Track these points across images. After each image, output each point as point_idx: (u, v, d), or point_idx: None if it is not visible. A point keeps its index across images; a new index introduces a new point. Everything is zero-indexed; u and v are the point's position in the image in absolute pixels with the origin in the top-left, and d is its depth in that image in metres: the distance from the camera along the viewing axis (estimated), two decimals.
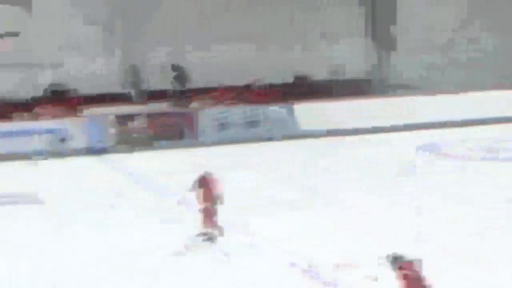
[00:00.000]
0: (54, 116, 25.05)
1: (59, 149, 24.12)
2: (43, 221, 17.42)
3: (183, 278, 13.70)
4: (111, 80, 27.12)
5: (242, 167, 22.42)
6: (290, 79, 28.19)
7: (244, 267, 14.22)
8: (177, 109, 26.42)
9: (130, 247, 15.39)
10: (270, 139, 25.65)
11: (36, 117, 25.13)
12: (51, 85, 26.17)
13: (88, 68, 26.89)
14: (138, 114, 25.48)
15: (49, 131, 24.27)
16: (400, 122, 26.50)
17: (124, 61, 27.55)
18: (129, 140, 25.04)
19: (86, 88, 26.11)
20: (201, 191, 15.48)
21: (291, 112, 26.41)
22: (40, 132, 24.17)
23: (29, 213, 18.12)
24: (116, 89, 27.17)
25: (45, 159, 23.47)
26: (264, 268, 14.07)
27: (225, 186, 15.81)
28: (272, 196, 19.05)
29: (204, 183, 15.51)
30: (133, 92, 27.29)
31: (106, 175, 22.36)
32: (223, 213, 15.68)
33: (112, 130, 24.99)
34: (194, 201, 15.66)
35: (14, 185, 20.61)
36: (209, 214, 15.41)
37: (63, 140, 24.38)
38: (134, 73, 27.02)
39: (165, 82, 26.81)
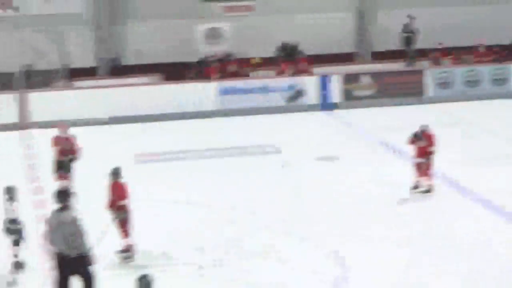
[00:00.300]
0: (288, 74, 26.67)
1: (294, 105, 25.93)
2: (281, 168, 19.37)
3: (398, 226, 14.92)
4: (341, 40, 28.45)
5: (460, 124, 23.34)
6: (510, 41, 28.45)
7: (459, 217, 15.34)
8: (403, 68, 27.51)
9: (352, 195, 16.91)
10: (489, 98, 26.36)
11: (271, 75, 26.79)
12: (284, 44, 27.41)
13: (319, 29, 28.06)
14: (365, 73, 26.77)
15: (285, 88, 26.10)
16: None
17: (355, 22, 28.70)
18: (356, 97, 26.50)
19: (316, 48, 27.39)
20: (417, 145, 16.67)
21: (510, 72, 27.09)
22: (277, 89, 26.01)
23: (268, 161, 20.10)
24: (346, 49, 28.57)
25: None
26: (486, 220, 15.09)
27: (442, 142, 16.94)
28: (487, 152, 19.96)
29: (420, 137, 16.61)
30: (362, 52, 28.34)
31: (334, 129, 23.98)
32: (439, 167, 16.91)
33: (341, 88, 26.39)
34: (411, 154, 16.95)
35: (256, 137, 22.61)
36: (424, 167, 16.51)
37: (298, 96, 26.16)
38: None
39: (390, 43, 27.75)
